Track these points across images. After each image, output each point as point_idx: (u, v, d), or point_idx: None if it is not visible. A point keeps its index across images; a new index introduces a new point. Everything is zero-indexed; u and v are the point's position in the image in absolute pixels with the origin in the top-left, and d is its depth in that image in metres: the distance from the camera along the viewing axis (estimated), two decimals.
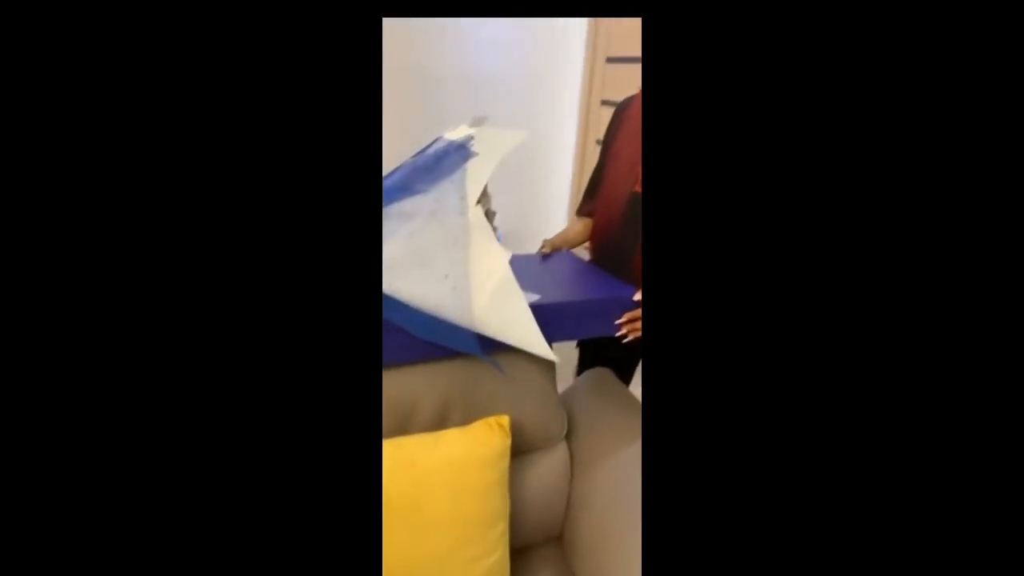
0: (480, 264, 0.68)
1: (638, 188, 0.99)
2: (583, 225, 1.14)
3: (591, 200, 1.12)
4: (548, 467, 0.88)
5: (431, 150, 0.77)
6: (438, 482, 0.70)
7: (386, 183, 0.74)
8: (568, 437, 0.92)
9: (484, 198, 0.75)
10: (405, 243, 0.68)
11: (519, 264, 1.08)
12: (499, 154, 0.73)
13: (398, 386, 0.77)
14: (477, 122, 0.84)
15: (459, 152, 0.73)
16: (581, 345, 1.21)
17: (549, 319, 0.82)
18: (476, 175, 0.70)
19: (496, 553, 0.74)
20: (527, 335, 0.71)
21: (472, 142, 0.74)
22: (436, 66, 2.13)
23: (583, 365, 1.22)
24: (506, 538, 0.76)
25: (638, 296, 0.85)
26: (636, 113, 1.01)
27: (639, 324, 0.86)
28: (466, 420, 0.79)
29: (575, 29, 2.25)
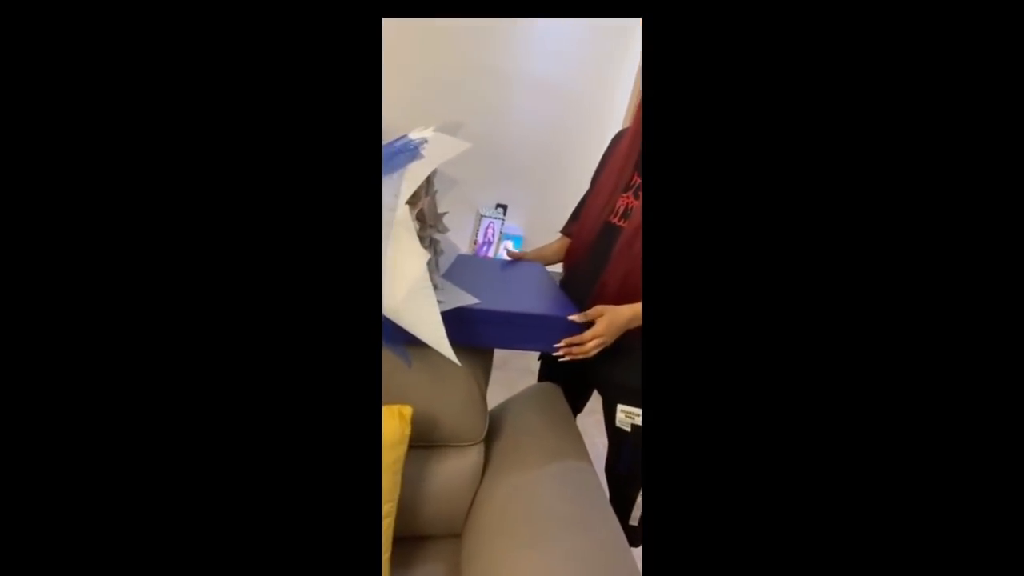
0: (399, 260, 0.72)
1: (612, 219, 0.99)
2: (560, 244, 1.16)
3: (573, 222, 1.13)
4: (459, 465, 0.91)
5: (390, 147, 0.81)
6: None
7: None
8: (489, 440, 0.95)
9: (423, 199, 0.79)
10: None
11: (482, 265, 1.11)
12: (442, 159, 0.76)
13: None
14: (448, 127, 0.88)
15: (409, 152, 0.77)
16: (542, 359, 1.22)
17: (485, 324, 0.85)
18: (414, 176, 0.74)
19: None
20: (434, 336, 0.74)
21: (424, 145, 0.78)
22: (507, 66, 2.21)
23: (540, 379, 1.23)
24: (391, 518, 0.80)
25: (576, 318, 0.86)
26: (624, 147, 1.01)
27: (576, 348, 0.87)
28: None
29: (633, 50, 2.24)
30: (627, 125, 1.07)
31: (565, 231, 1.16)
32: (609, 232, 0.99)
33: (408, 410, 0.80)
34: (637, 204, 0.96)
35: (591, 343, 0.86)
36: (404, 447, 0.80)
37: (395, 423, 0.79)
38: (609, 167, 1.04)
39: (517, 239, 2.53)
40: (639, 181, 0.98)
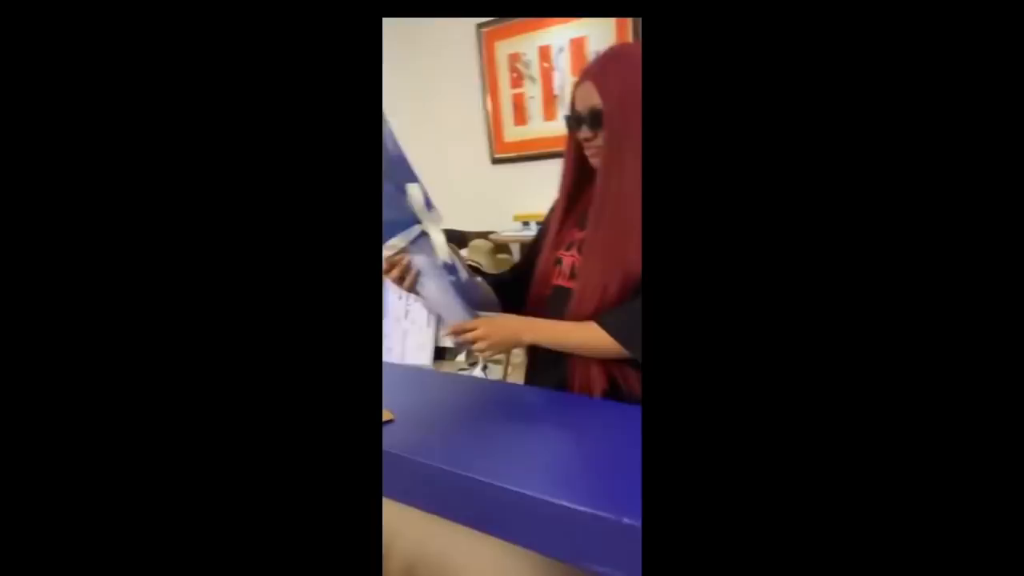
0: None
1: (559, 280, 0.93)
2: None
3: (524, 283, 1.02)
4: None
5: None
6: None
7: None
8: None
9: None
10: None
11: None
12: None
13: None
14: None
15: None
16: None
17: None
18: None
19: None
20: None
21: None
22: None
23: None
24: None
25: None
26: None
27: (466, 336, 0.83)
28: None
29: None
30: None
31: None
32: (559, 294, 0.91)
33: None
34: (579, 260, 0.89)
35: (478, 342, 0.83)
36: None
37: None
38: (551, 223, 0.97)
39: None
40: (580, 237, 0.90)
